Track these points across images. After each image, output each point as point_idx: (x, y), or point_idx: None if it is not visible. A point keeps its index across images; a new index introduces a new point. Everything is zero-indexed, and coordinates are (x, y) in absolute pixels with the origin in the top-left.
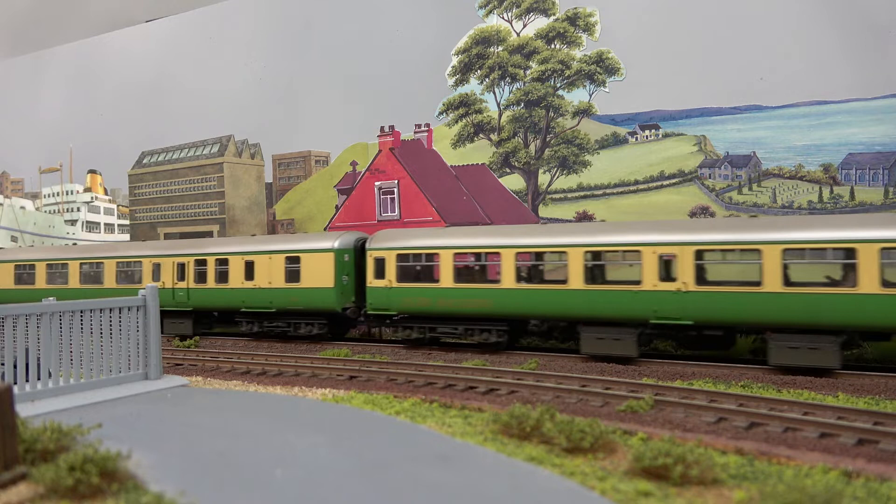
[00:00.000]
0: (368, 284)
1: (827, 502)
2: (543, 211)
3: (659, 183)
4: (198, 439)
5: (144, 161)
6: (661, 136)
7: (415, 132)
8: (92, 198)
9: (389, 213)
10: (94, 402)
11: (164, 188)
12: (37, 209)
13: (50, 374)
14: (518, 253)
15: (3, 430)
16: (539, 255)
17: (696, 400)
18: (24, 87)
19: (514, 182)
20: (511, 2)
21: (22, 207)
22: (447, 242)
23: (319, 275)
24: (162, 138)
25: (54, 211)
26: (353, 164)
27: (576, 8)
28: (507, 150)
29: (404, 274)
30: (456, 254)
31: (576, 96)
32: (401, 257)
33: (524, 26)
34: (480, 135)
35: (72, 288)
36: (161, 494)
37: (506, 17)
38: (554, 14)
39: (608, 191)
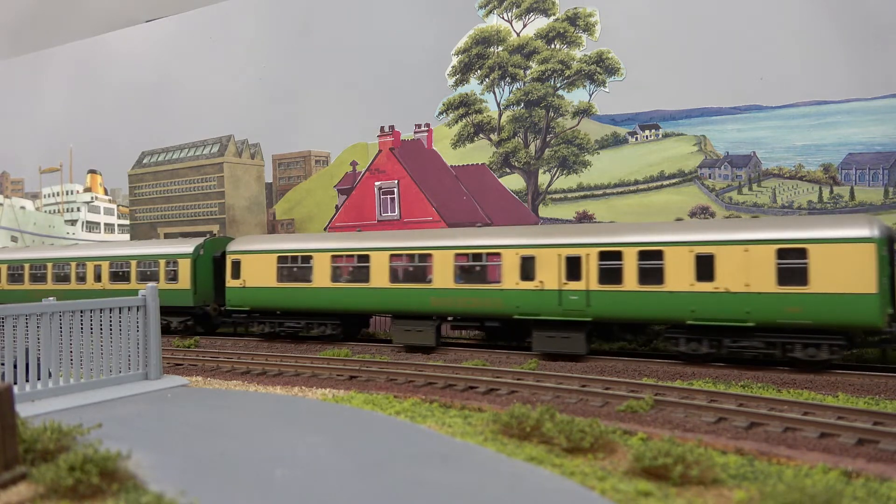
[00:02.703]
0: None
1: (827, 502)
2: (543, 211)
3: (659, 183)
4: (198, 439)
5: (144, 161)
6: (661, 136)
7: (415, 132)
8: (92, 198)
9: (389, 213)
10: (94, 402)
11: (164, 188)
12: (37, 209)
13: (50, 374)
14: None
15: (3, 430)
16: None
17: (696, 400)
18: (24, 87)
19: (514, 182)
20: (511, 2)
21: (22, 207)
22: None
23: (846, 275)
24: (162, 138)
25: (54, 211)
26: (353, 164)
27: (576, 8)
28: (507, 150)
29: None
30: None
31: (576, 96)
32: None
33: (524, 26)
34: (480, 135)
35: (377, 288)
36: (161, 494)
37: (506, 17)
38: (554, 14)
39: (608, 191)
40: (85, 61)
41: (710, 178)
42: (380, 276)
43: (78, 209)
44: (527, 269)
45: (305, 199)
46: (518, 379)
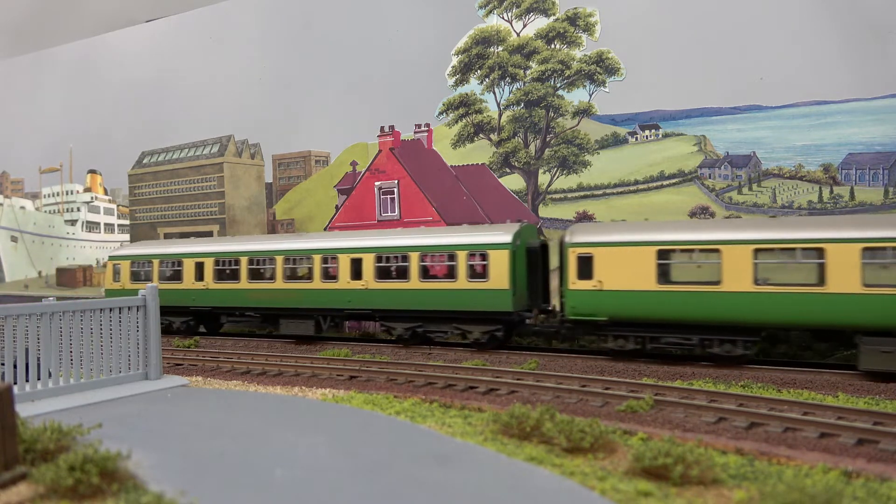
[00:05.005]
0: None
1: (827, 502)
2: (543, 211)
3: (659, 183)
4: (198, 439)
5: (144, 161)
6: (661, 136)
7: (415, 132)
8: (92, 198)
9: (389, 213)
10: (94, 402)
11: (164, 188)
12: (37, 209)
13: (50, 374)
14: None
15: (3, 430)
16: None
17: (696, 400)
18: (24, 87)
19: (514, 182)
20: (511, 2)
21: (22, 207)
22: None
23: None
24: (162, 138)
25: (54, 211)
26: (353, 164)
27: (576, 8)
28: (507, 150)
29: None
30: None
31: (576, 96)
32: None
33: (524, 26)
34: (480, 135)
35: (838, 294)
36: (161, 494)
37: (506, 17)
38: (554, 14)
39: (608, 191)
40: (85, 61)
41: (710, 178)
42: (843, 277)
43: (78, 209)
44: None
45: (305, 199)
46: (518, 379)
